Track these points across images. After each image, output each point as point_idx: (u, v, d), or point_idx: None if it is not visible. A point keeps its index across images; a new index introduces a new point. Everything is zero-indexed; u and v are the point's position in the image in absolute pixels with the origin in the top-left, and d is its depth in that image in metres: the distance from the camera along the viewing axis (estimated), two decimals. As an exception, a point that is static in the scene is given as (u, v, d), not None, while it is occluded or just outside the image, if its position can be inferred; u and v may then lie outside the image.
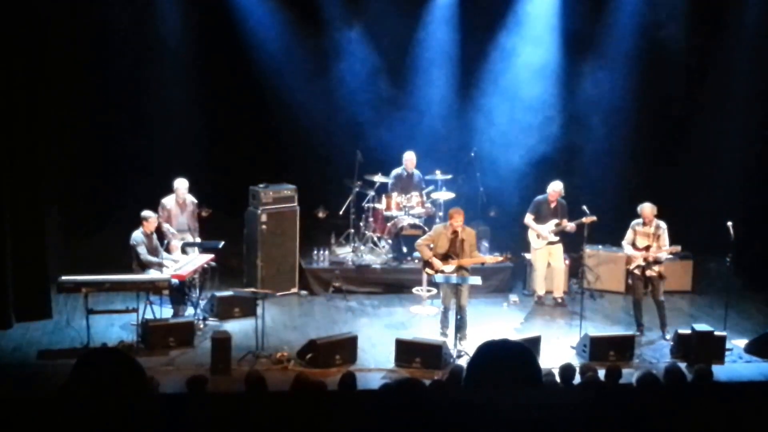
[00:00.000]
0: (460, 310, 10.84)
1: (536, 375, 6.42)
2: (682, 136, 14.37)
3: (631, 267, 11.48)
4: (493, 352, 6.41)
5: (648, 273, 11.34)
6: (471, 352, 10.10)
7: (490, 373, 5.88)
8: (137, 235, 11.29)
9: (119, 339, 10.65)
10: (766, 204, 13.48)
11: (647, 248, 11.28)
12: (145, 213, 11.40)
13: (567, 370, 8.10)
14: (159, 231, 11.71)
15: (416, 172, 13.57)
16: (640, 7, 14.06)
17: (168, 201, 12.08)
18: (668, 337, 11.23)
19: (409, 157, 13.47)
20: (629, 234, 11.46)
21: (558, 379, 8.05)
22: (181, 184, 12.09)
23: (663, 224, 11.34)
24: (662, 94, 14.36)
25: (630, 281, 11.93)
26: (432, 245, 11.07)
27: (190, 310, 11.51)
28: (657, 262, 11.34)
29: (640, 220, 11.38)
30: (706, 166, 14.19)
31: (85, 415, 4.45)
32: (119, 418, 4.48)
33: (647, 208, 11.33)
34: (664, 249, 11.27)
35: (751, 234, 12.77)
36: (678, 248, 11.45)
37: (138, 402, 4.91)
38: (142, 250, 11.24)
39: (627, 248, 11.50)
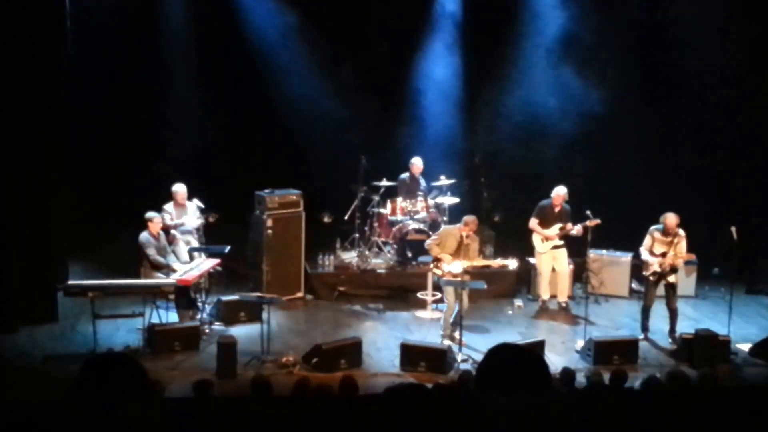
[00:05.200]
0: (461, 314, 10.87)
1: (546, 380, 6.44)
2: (684, 139, 14.37)
3: (647, 273, 11.36)
4: (504, 356, 6.40)
5: (663, 281, 11.30)
6: (475, 356, 10.17)
7: (500, 377, 5.88)
8: (145, 236, 11.35)
9: (125, 343, 10.68)
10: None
11: (663, 255, 11.23)
12: (150, 214, 11.46)
13: (566, 374, 8.13)
14: (166, 232, 11.82)
15: (420, 179, 13.63)
16: (645, 12, 14.08)
17: (169, 206, 12.19)
18: (673, 341, 11.25)
19: (416, 163, 13.54)
20: (647, 240, 11.33)
21: (558, 383, 8.07)
22: (179, 188, 12.18)
23: (682, 232, 11.22)
24: (665, 99, 14.36)
25: (642, 286, 11.88)
26: (439, 244, 11.16)
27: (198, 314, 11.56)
28: (673, 270, 11.29)
29: (660, 227, 11.25)
30: (709, 170, 14.18)
31: (91, 419, 4.47)
32: (124, 423, 4.50)
33: (672, 219, 11.13)
34: (680, 256, 11.21)
35: (755, 238, 12.78)
36: (692, 256, 11.38)
37: (144, 407, 4.93)
38: (151, 251, 11.28)
39: (644, 254, 11.35)
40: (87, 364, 4.61)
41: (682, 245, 11.22)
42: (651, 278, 11.33)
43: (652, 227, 11.37)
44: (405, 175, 13.62)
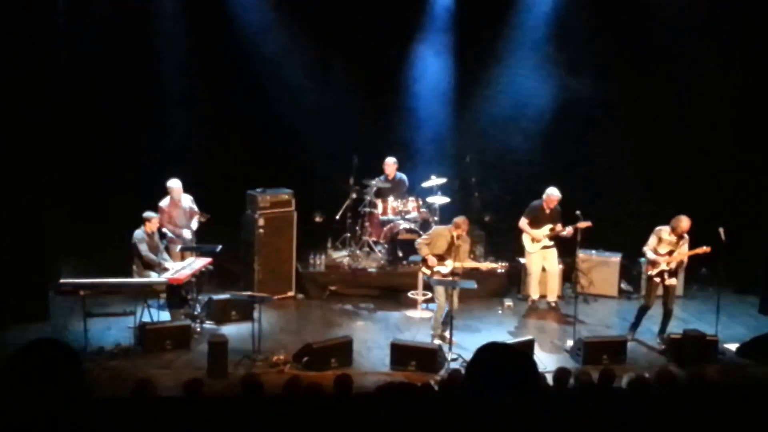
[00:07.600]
0: (451, 314, 10.92)
1: (535, 379, 6.49)
2: (674, 141, 14.42)
3: (653, 273, 11.33)
4: (493, 354, 6.45)
5: (667, 282, 11.32)
6: (465, 355, 10.21)
7: (489, 376, 5.94)
8: (138, 233, 11.42)
9: (116, 342, 10.68)
10: (757, 208, 13.53)
11: (670, 253, 11.26)
12: (147, 214, 11.56)
13: (561, 373, 8.18)
14: (161, 233, 11.85)
15: (401, 176, 13.64)
16: (634, 12, 14.11)
17: (165, 203, 12.21)
18: (661, 341, 11.30)
19: (389, 163, 13.54)
20: (653, 239, 11.28)
21: (551, 382, 8.12)
22: (174, 184, 12.21)
23: (686, 235, 11.23)
24: (657, 101, 14.39)
25: (630, 286, 11.90)
26: (429, 244, 11.20)
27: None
28: (676, 272, 11.33)
29: (666, 228, 11.22)
30: (697, 171, 14.23)
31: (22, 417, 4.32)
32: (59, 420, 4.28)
33: (686, 223, 11.06)
34: (689, 251, 11.18)
35: (742, 238, 12.83)
36: (707, 249, 11.27)
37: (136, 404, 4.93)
38: (143, 248, 11.36)
39: (650, 254, 11.29)
40: (14, 357, 4.29)
41: (685, 248, 11.24)
42: (656, 278, 11.33)
43: (658, 227, 11.33)
44: (381, 177, 13.62)
